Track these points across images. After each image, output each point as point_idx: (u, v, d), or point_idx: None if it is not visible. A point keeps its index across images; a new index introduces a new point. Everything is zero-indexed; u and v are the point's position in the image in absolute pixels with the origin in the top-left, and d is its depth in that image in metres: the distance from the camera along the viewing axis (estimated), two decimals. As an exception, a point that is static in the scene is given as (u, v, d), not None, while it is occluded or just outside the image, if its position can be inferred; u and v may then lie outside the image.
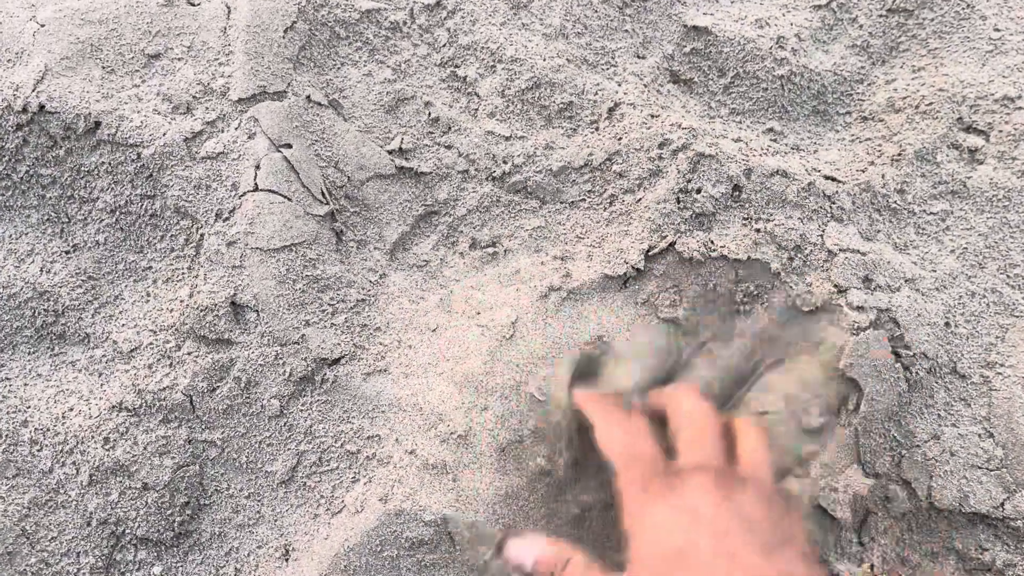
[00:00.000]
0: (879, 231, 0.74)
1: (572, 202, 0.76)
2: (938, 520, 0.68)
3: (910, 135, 0.77)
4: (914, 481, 0.68)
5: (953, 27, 0.81)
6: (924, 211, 0.75)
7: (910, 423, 0.68)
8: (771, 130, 0.81)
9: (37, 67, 0.69)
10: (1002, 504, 0.67)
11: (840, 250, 0.70)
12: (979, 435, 0.69)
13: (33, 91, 0.68)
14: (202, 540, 0.65)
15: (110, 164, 0.69)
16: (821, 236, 0.71)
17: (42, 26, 0.72)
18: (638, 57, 0.82)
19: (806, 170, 0.74)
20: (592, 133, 0.76)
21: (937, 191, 0.76)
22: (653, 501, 0.51)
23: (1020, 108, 0.75)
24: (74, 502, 0.63)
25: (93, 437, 0.63)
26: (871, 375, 0.67)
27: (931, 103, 0.78)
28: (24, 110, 0.68)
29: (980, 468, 0.68)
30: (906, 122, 0.78)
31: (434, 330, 0.72)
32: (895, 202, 0.75)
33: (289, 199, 0.69)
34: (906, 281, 0.71)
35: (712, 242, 0.70)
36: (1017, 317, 0.72)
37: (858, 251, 0.70)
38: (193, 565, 0.64)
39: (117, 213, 0.69)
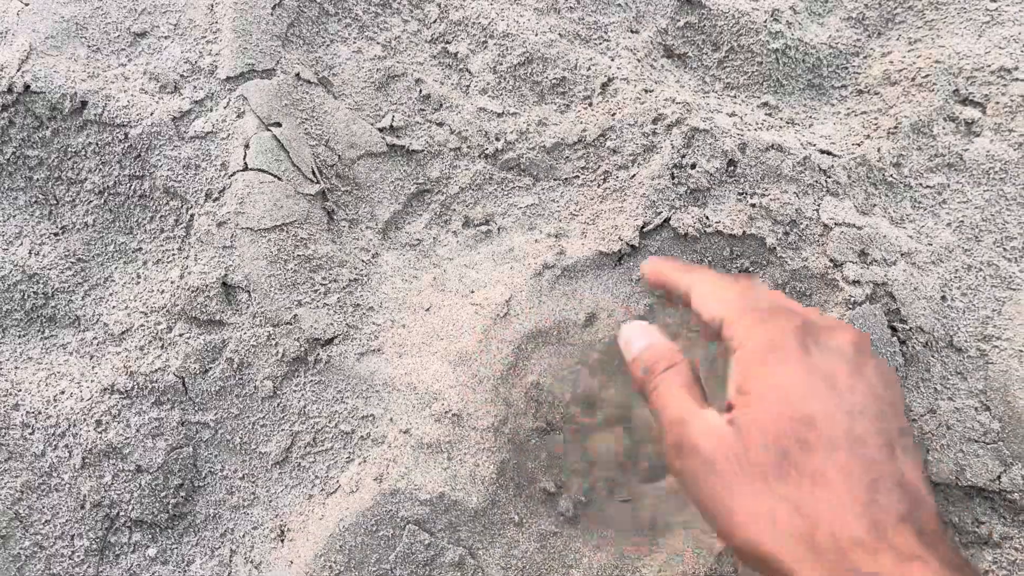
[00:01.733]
0: (875, 205, 0.74)
1: (566, 179, 0.75)
2: (935, 494, 0.68)
3: (906, 108, 0.76)
4: (910, 455, 0.67)
5: (950, -2, 0.80)
6: (920, 184, 0.75)
7: (907, 397, 0.68)
8: (766, 104, 0.80)
9: (22, 46, 0.68)
10: (999, 477, 0.66)
11: (836, 224, 0.70)
12: (975, 408, 0.68)
13: (18, 71, 0.67)
14: (197, 522, 0.65)
15: (97, 145, 0.68)
16: (816, 210, 0.71)
17: (26, 5, 0.71)
18: (631, 32, 0.81)
19: (801, 144, 0.73)
20: (585, 109, 0.75)
21: (933, 164, 0.75)
22: (786, 356, 0.46)
23: (1017, 80, 0.75)
24: (67, 485, 0.63)
25: (85, 420, 0.63)
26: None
27: (927, 75, 0.77)
28: (9, 90, 0.67)
29: (977, 441, 0.68)
30: (902, 95, 0.77)
31: (427, 309, 0.71)
32: (891, 176, 0.74)
33: (279, 178, 0.68)
34: (902, 255, 0.70)
35: (707, 217, 0.70)
36: (1014, 290, 0.71)
37: (854, 225, 0.70)
38: (188, 547, 0.64)
39: (105, 194, 0.69)
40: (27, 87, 0.67)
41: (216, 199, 0.67)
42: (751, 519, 0.42)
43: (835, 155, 0.73)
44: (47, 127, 0.68)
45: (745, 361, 0.47)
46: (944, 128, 0.75)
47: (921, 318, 0.68)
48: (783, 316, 0.48)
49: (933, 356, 0.69)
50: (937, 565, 0.38)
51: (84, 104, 0.67)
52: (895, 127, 0.75)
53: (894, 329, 0.68)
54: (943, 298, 0.70)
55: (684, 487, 0.47)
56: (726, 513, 0.43)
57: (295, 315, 0.67)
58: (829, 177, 0.72)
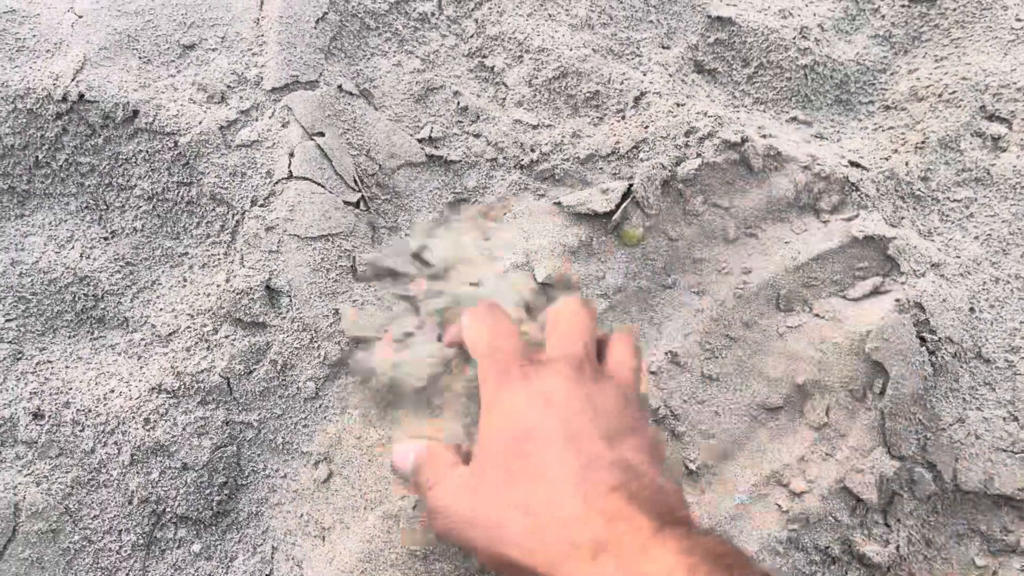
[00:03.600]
0: (903, 218, 0.75)
1: (599, 190, 0.77)
2: (963, 502, 0.69)
3: (933, 123, 0.78)
4: (940, 464, 0.68)
5: (975, 17, 0.82)
6: (948, 198, 0.76)
7: (935, 407, 0.69)
8: (794, 119, 0.82)
9: (76, 57, 0.71)
10: (1027, 486, 0.67)
11: (865, 236, 0.71)
12: (1004, 418, 0.69)
13: (73, 80, 0.69)
14: (240, 519, 0.66)
15: (147, 152, 0.70)
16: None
17: (80, 17, 0.73)
18: (663, 47, 0.83)
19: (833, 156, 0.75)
20: (618, 122, 0.77)
21: (961, 178, 0.76)
22: (509, 386, 0.52)
23: (1043, 96, 0.76)
24: (116, 481, 0.64)
25: (134, 418, 0.65)
26: (897, 359, 0.68)
27: (954, 92, 0.79)
28: (64, 99, 0.69)
29: (1005, 451, 0.68)
30: (929, 110, 0.79)
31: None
32: (919, 189, 0.76)
33: (323, 186, 0.70)
34: (931, 266, 0.72)
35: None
36: (1041, 303, 0.72)
37: (884, 236, 0.71)
38: (231, 543, 0.66)
39: (154, 200, 0.71)
40: (81, 96, 0.69)
41: (263, 205, 0.69)
42: (489, 538, 0.46)
43: (864, 168, 0.75)
44: (99, 135, 0.70)
45: (483, 401, 0.53)
46: (971, 143, 0.77)
47: (950, 329, 0.70)
48: (506, 353, 0.54)
49: (962, 367, 0.70)
50: (645, 520, 0.41)
51: (136, 113, 0.70)
52: (923, 142, 0.77)
53: (923, 340, 0.69)
54: (971, 310, 0.71)
55: (451, 544, 0.54)
56: (475, 546, 0.48)
57: (332, 322, 0.68)
58: (858, 190, 0.74)
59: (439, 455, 0.54)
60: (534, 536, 0.44)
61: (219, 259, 0.70)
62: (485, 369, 0.54)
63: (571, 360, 0.53)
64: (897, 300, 0.69)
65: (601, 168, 0.76)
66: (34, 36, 0.73)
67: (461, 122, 0.77)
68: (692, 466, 0.69)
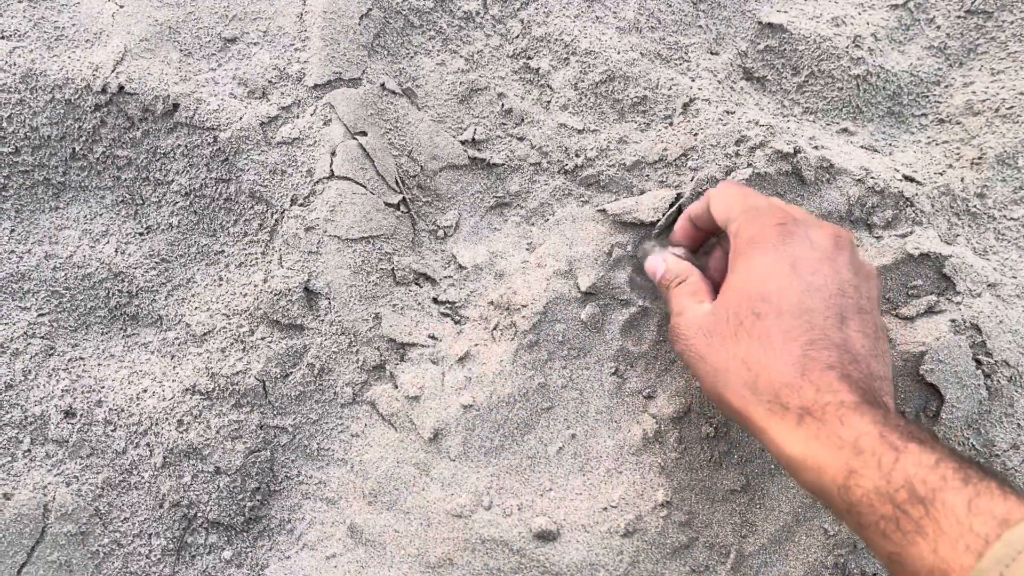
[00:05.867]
0: (958, 235, 0.73)
1: (645, 197, 0.75)
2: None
3: (990, 139, 0.76)
4: (993, 491, 0.66)
5: (1034, 30, 0.80)
6: (1005, 216, 0.74)
7: (990, 431, 0.67)
8: (845, 130, 0.80)
9: (116, 48, 0.69)
10: (1083, 517, 0.65)
11: (920, 253, 0.69)
12: (1059, 446, 0.67)
13: (112, 72, 0.68)
14: (272, 526, 0.65)
15: (186, 147, 0.69)
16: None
17: (121, 7, 0.72)
18: (711, 53, 0.81)
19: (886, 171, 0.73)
20: (666, 128, 0.75)
21: (1018, 196, 0.74)
22: (763, 243, 0.55)
23: (1105, 114, 0.74)
24: (147, 484, 0.63)
25: (167, 419, 0.63)
26: (952, 381, 0.66)
27: (1011, 107, 0.76)
28: (103, 91, 0.67)
29: (1060, 479, 0.66)
30: (985, 125, 0.77)
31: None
32: (975, 206, 0.74)
33: (364, 187, 0.68)
34: (988, 286, 0.69)
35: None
36: (1099, 327, 0.70)
37: (939, 254, 0.69)
38: (263, 551, 0.64)
39: (191, 196, 0.69)
40: (121, 88, 0.68)
41: (302, 204, 0.67)
42: (713, 376, 0.53)
43: (919, 183, 0.73)
44: (138, 128, 0.68)
45: (733, 253, 0.57)
46: (1030, 160, 0.74)
47: (1007, 352, 0.67)
48: (771, 213, 0.57)
49: (1017, 391, 0.68)
50: (850, 396, 0.46)
51: (176, 107, 0.68)
52: (979, 157, 0.75)
53: (979, 362, 0.67)
54: (1028, 332, 0.69)
55: (683, 363, 0.62)
56: (700, 375, 0.55)
57: (371, 326, 0.67)
58: (913, 205, 0.71)
59: (688, 278, 0.61)
60: (750, 390, 0.50)
61: (257, 258, 0.69)
62: (740, 224, 0.57)
63: (829, 229, 0.57)
64: (953, 320, 0.67)
65: (648, 175, 0.74)
66: (73, 25, 0.71)
67: (505, 124, 0.76)
68: (737, 486, 0.67)
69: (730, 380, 0.52)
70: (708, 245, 0.68)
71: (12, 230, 0.68)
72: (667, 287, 0.63)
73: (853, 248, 0.57)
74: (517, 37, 0.78)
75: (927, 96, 0.81)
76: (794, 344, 0.50)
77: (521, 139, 0.75)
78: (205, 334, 0.67)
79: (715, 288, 0.60)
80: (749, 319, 0.52)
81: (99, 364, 0.66)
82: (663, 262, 0.64)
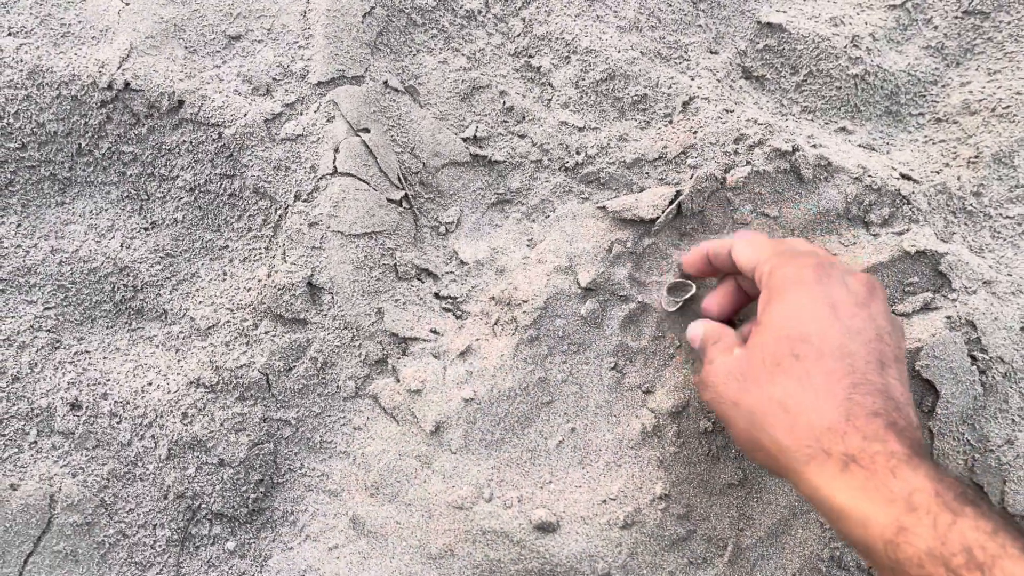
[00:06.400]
0: (954, 233, 0.74)
1: (644, 195, 0.76)
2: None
3: (986, 138, 0.76)
4: (987, 485, 0.67)
5: (1030, 31, 0.81)
6: (1001, 214, 0.75)
7: (984, 427, 0.68)
8: (843, 129, 0.81)
9: (122, 45, 0.70)
10: (1076, 512, 0.66)
11: (917, 250, 0.70)
12: (1053, 441, 0.68)
13: (119, 68, 0.69)
14: (275, 517, 0.65)
15: (191, 143, 0.69)
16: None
17: (127, 4, 0.73)
18: (711, 52, 0.81)
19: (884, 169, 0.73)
20: (666, 126, 0.76)
21: (1014, 195, 0.75)
22: (800, 284, 0.53)
23: (1099, 113, 0.75)
24: (152, 475, 0.64)
25: (172, 412, 0.64)
26: (947, 377, 0.67)
27: (1008, 106, 0.77)
28: (109, 87, 0.68)
29: (1054, 475, 0.67)
30: (982, 124, 0.77)
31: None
32: (971, 204, 0.74)
33: (367, 183, 0.69)
34: (983, 284, 0.70)
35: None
36: (1093, 324, 0.71)
37: (936, 252, 0.70)
38: (266, 542, 0.65)
39: (196, 192, 0.70)
40: (127, 84, 0.68)
41: (306, 200, 0.68)
42: (748, 420, 0.51)
43: (916, 181, 0.73)
44: (144, 124, 0.69)
45: (767, 294, 0.55)
46: (1025, 159, 0.75)
47: (1001, 348, 0.68)
48: (808, 255, 0.56)
49: (1012, 387, 0.69)
50: (899, 447, 0.45)
51: (181, 103, 0.69)
52: (975, 156, 0.75)
53: (974, 358, 0.68)
54: (1023, 329, 0.70)
55: (716, 415, 0.58)
56: (732, 422, 0.53)
57: (373, 321, 0.67)
58: (910, 203, 0.72)
59: (722, 337, 0.59)
60: (789, 433, 0.48)
61: (260, 253, 0.70)
62: (773, 265, 0.56)
63: (863, 276, 0.56)
64: (948, 317, 0.68)
65: (647, 173, 0.75)
66: (79, 22, 0.72)
67: (506, 122, 0.76)
68: (734, 480, 0.68)
69: (767, 422, 0.50)
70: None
71: (19, 225, 0.68)
72: (703, 348, 0.61)
73: (885, 296, 0.56)
74: (519, 36, 0.79)
75: (924, 95, 0.82)
76: (837, 387, 0.49)
77: (522, 136, 0.76)
78: (209, 328, 0.67)
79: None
80: (787, 360, 0.51)
81: (104, 357, 0.67)
82: (701, 326, 0.62)
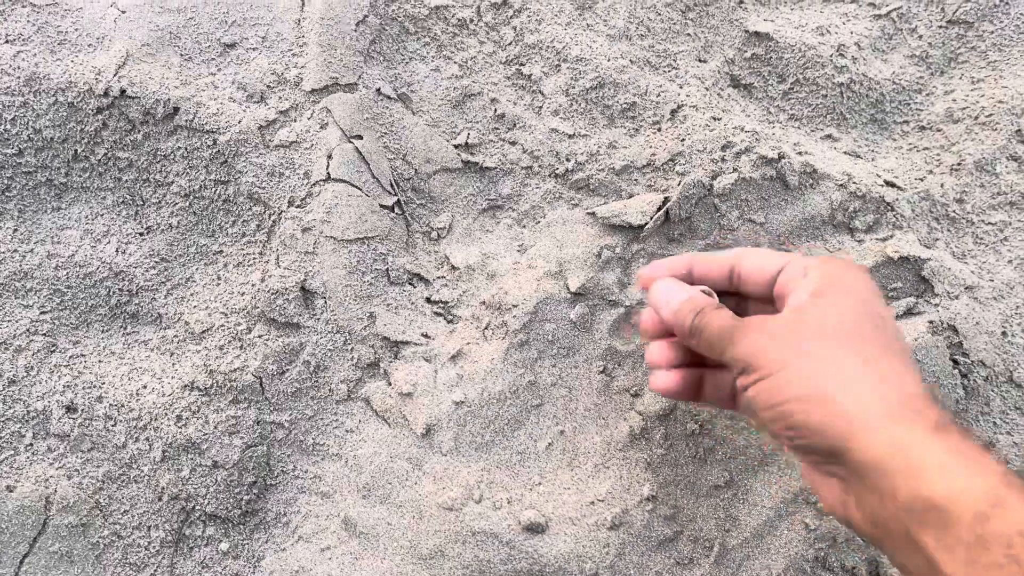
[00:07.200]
0: (938, 239, 0.75)
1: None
2: (991, 527, 0.69)
3: (969, 145, 0.78)
4: (969, 487, 0.68)
5: (1012, 40, 0.82)
6: (983, 221, 0.76)
7: (966, 430, 0.69)
8: (829, 137, 0.82)
9: (118, 52, 0.71)
10: (1056, 513, 0.67)
11: (900, 256, 0.71)
12: (1034, 444, 0.69)
13: (115, 75, 0.70)
14: (268, 519, 0.66)
15: (186, 149, 0.70)
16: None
17: (123, 12, 0.74)
18: (699, 61, 0.83)
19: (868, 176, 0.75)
20: (654, 133, 0.77)
21: (996, 201, 0.76)
22: (853, 271, 0.53)
23: (1080, 122, 0.76)
24: (146, 477, 0.64)
25: (166, 414, 0.65)
26: (930, 381, 0.68)
27: (990, 115, 0.78)
28: (105, 94, 0.69)
29: (1034, 477, 0.68)
30: (965, 132, 0.79)
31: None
32: (954, 211, 0.76)
33: (360, 189, 0.70)
34: (965, 289, 0.71)
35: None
36: (1073, 329, 0.72)
37: (919, 258, 0.71)
38: (259, 543, 0.66)
39: (191, 197, 0.71)
40: (123, 91, 0.69)
41: (300, 206, 0.69)
42: (811, 373, 0.47)
43: (900, 188, 0.75)
44: (139, 131, 0.70)
45: (819, 278, 0.52)
46: (1007, 167, 0.77)
47: (983, 352, 0.69)
48: (842, 258, 0.57)
49: (993, 391, 0.70)
50: (936, 415, 0.44)
51: (176, 110, 0.70)
52: (958, 164, 0.77)
53: (955, 362, 0.69)
54: (1004, 334, 0.71)
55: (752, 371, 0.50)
56: (786, 371, 0.48)
57: (365, 325, 0.68)
58: (894, 210, 0.74)
59: (713, 309, 0.55)
60: (873, 389, 0.46)
61: (254, 258, 0.71)
62: (819, 260, 0.54)
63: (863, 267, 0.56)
64: (931, 322, 0.69)
65: (636, 179, 0.76)
66: (76, 30, 0.73)
67: (497, 129, 0.78)
68: (721, 482, 0.69)
69: (845, 376, 0.47)
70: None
71: (15, 230, 0.69)
72: (701, 313, 0.55)
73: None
74: (510, 44, 0.80)
75: (909, 104, 0.83)
76: (900, 357, 0.48)
77: (513, 143, 0.77)
78: (204, 332, 0.68)
79: None
80: (869, 328, 0.49)
81: (100, 361, 0.68)
82: (681, 290, 0.57)
